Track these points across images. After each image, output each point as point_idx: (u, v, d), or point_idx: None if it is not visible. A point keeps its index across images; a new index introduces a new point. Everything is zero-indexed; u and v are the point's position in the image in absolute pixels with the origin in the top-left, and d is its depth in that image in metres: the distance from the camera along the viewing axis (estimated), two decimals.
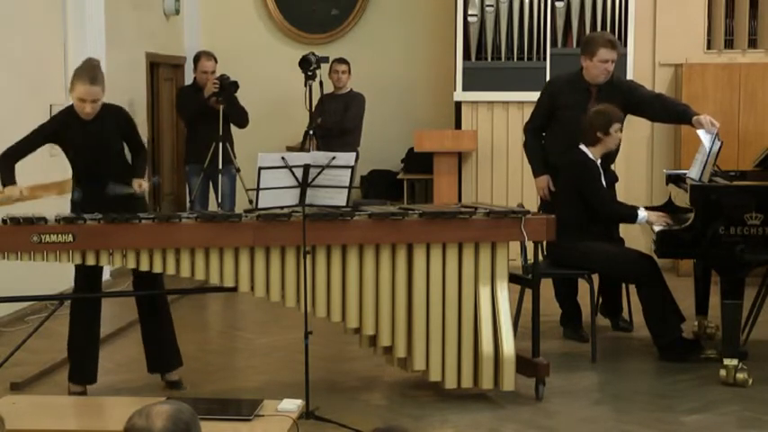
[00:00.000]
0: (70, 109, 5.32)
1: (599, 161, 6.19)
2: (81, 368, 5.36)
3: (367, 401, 5.28)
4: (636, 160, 8.98)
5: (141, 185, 5.33)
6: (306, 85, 7.95)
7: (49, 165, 7.52)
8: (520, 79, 8.77)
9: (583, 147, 6.17)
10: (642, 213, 5.98)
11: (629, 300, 6.64)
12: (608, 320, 6.76)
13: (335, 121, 8.78)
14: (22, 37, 7.19)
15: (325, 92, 8.89)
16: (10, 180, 5.33)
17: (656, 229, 5.79)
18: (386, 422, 4.73)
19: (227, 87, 8.27)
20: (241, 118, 8.45)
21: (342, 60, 9.00)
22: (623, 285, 6.66)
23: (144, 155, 5.59)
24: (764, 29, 8.86)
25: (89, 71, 5.22)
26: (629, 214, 6.06)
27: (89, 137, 5.28)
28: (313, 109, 8.22)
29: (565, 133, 6.29)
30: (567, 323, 6.58)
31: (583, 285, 6.29)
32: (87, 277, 5.28)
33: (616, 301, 6.72)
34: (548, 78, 8.56)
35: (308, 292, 4.88)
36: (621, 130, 6.20)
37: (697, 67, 8.69)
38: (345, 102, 8.93)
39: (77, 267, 5.14)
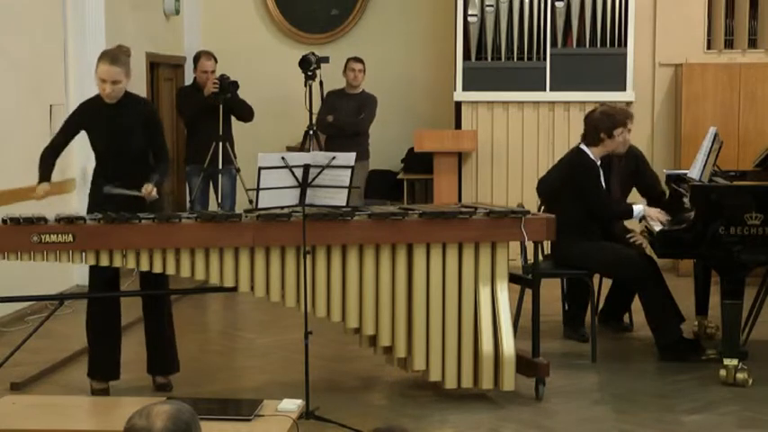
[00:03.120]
0: (97, 95, 5.34)
1: (599, 161, 6.20)
2: (103, 364, 5.36)
3: (367, 401, 5.28)
4: None
5: (150, 191, 5.18)
6: (306, 85, 7.95)
7: None
8: (520, 79, 8.78)
9: (583, 146, 6.17)
10: (638, 207, 6.00)
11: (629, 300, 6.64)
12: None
13: (351, 122, 8.73)
14: (22, 37, 7.19)
15: (327, 90, 8.83)
16: (45, 177, 5.36)
17: (656, 228, 5.79)
18: (386, 422, 4.73)
19: (227, 87, 8.27)
20: (245, 112, 8.44)
21: (358, 59, 8.92)
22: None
23: (165, 164, 5.46)
24: (764, 29, 8.86)
25: (112, 52, 5.32)
26: (626, 210, 6.08)
27: (110, 123, 5.29)
28: (314, 107, 8.19)
29: None
30: (567, 322, 6.58)
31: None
32: (103, 274, 5.25)
33: (618, 310, 6.71)
34: (547, 82, 8.64)
35: (308, 292, 4.88)
36: (630, 131, 6.19)
37: (697, 67, 8.69)
38: (360, 101, 8.85)
39: (92, 266, 5.13)
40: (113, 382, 5.40)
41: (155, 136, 5.46)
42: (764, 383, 5.46)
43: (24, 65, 7.23)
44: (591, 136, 6.14)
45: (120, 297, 5.53)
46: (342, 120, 8.69)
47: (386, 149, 9.63)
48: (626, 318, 6.74)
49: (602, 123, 6.10)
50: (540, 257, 5.59)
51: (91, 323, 5.39)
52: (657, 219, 5.88)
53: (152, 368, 5.52)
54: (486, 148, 8.92)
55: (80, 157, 7.96)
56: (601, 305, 6.61)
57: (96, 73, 5.28)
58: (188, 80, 9.72)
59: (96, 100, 5.36)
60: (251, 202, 5.61)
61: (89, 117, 5.36)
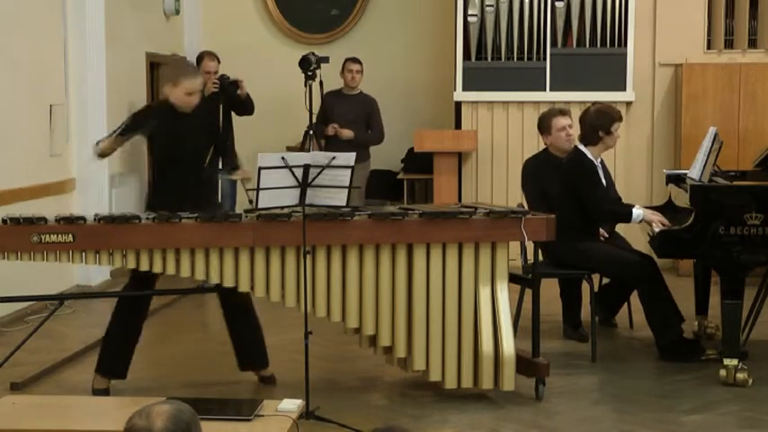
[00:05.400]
0: (162, 103, 5.52)
1: (598, 161, 6.20)
2: (113, 362, 5.39)
3: (367, 401, 5.28)
4: (636, 160, 8.99)
5: (246, 173, 5.63)
6: (306, 85, 7.93)
7: (49, 165, 7.54)
8: (520, 79, 8.78)
9: (581, 146, 6.17)
10: (637, 211, 5.96)
11: (629, 300, 6.64)
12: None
13: (374, 138, 8.69)
14: (22, 37, 7.19)
15: (326, 90, 8.80)
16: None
17: (657, 229, 5.79)
18: (386, 422, 4.73)
19: (227, 87, 8.26)
20: (246, 106, 8.42)
21: (355, 60, 8.81)
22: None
23: (233, 152, 5.77)
24: (764, 29, 8.86)
25: (190, 66, 5.59)
26: (624, 213, 6.05)
27: (181, 129, 5.40)
28: (314, 107, 8.16)
29: None
30: (567, 320, 6.58)
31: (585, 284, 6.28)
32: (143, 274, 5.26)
33: (613, 308, 6.71)
34: (547, 82, 8.65)
35: (308, 292, 4.88)
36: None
37: (697, 67, 8.69)
38: (359, 103, 8.74)
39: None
40: (115, 381, 5.41)
41: (219, 136, 5.71)
42: (764, 383, 5.46)
43: (24, 65, 7.22)
44: (589, 135, 6.14)
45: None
46: (358, 137, 8.58)
47: (386, 149, 9.62)
48: (615, 320, 6.76)
49: (599, 121, 6.10)
50: (541, 257, 5.59)
51: (117, 320, 5.42)
52: (660, 223, 5.86)
53: (245, 365, 5.60)
54: (486, 148, 8.92)
55: (80, 157, 7.97)
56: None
57: (179, 88, 5.39)
58: None
59: (166, 106, 5.47)
60: (251, 202, 5.61)
61: (160, 123, 5.43)
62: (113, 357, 5.40)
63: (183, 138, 5.42)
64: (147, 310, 5.51)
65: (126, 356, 5.41)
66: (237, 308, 5.49)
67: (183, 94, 5.39)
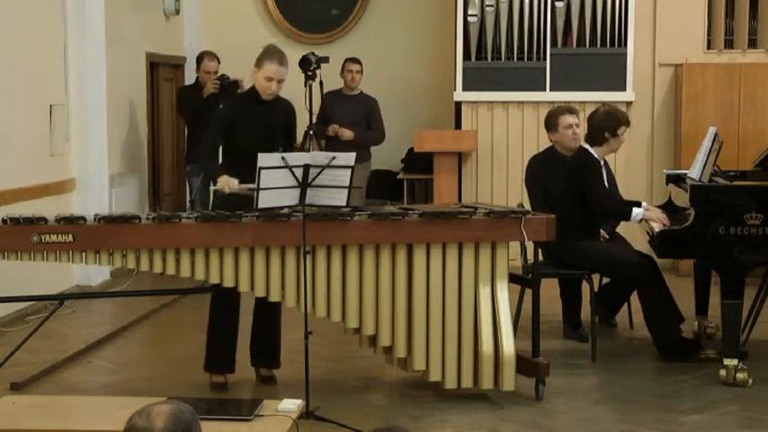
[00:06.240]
0: (243, 94, 5.52)
1: (602, 161, 6.20)
2: (221, 358, 5.46)
3: (367, 401, 5.28)
4: (636, 160, 8.99)
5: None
6: (306, 86, 7.91)
7: (49, 165, 7.54)
8: (520, 79, 8.78)
9: (587, 146, 6.17)
10: (637, 211, 5.96)
11: (629, 300, 6.64)
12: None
13: (374, 138, 8.69)
14: (22, 37, 7.18)
15: (326, 90, 8.77)
16: (222, 171, 5.35)
17: (657, 229, 5.79)
18: (386, 422, 4.73)
19: (227, 87, 8.26)
20: None
21: (355, 60, 8.77)
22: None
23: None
24: (764, 29, 8.86)
25: (278, 52, 5.64)
26: (624, 211, 6.05)
27: (258, 119, 5.45)
28: (314, 107, 8.13)
29: None
30: (567, 320, 6.58)
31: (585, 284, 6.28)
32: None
33: (613, 308, 6.71)
34: (547, 82, 8.64)
35: (308, 292, 4.88)
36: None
37: (697, 67, 8.69)
38: (360, 104, 8.69)
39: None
40: (115, 380, 5.40)
41: (291, 132, 5.68)
42: (764, 383, 5.46)
43: (24, 65, 7.22)
44: (595, 136, 6.14)
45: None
46: (359, 137, 8.55)
47: (386, 149, 9.61)
48: (615, 320, 6.77)
49: (606, 123, 6.11)
50: (541, 257, 5.59)
51: (215, 320, 5.48)
52: (660, 221, 5.86)
53: (256, 361, 5.62)
54: (486, 148, 8.92)
55: (80, 157, 7.97)
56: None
57: (261, 71, 5.56)
58: (188, 80, 9.72)
59: (243, 97, 5.50)
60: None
61: (239, 114, 5.47)
62: (217, 355, 5.46)
63: (255, 124, 5.43)
64: (239, 306, 5.49)
65: (228, 352, 5.47)
66: (267, 308, 5.47)
67: (263, 78, 5.51)
